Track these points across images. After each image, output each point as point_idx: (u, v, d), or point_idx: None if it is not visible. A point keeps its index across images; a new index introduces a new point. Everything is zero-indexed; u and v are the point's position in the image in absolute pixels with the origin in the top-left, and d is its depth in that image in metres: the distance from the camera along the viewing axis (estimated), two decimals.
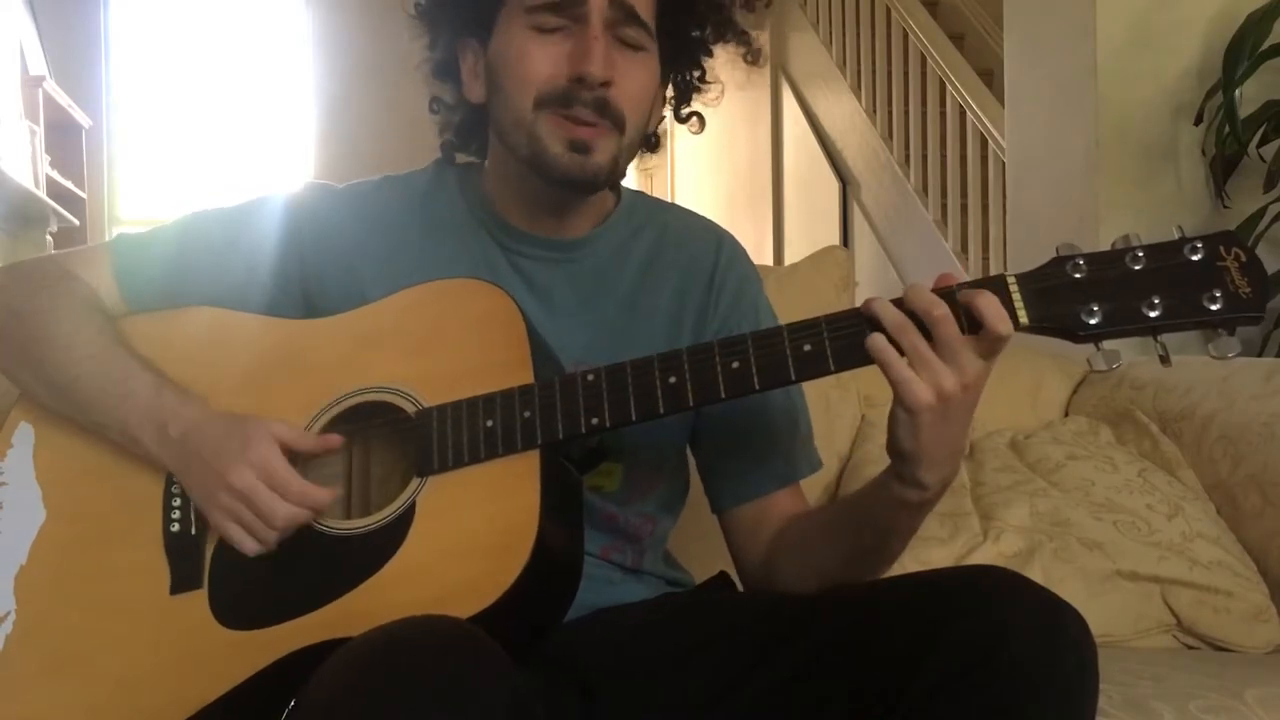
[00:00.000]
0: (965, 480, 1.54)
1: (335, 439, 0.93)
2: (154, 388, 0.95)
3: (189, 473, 0.93)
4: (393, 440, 0.95)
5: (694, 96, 1.12)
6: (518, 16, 1.00)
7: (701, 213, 1.19)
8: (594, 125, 0.98)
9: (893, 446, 0.87)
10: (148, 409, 0.94)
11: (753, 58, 1.12)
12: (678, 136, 1.16)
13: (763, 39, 1.32)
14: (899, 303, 0.83)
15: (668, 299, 1.09)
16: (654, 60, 1.04)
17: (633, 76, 1.00)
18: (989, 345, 0.82)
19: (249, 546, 0.90)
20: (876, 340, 0.82)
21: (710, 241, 1.13)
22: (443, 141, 1.13)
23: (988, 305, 0.81)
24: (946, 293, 0.83)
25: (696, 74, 1.11)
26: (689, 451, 1.13)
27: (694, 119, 1.13)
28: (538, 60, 0.98)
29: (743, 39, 1.10)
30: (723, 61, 1.12)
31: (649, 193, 1.37)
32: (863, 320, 0.84)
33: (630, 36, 1.00)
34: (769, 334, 0.86)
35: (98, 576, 0.95)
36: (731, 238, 1.16)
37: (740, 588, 1.09)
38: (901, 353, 0.82)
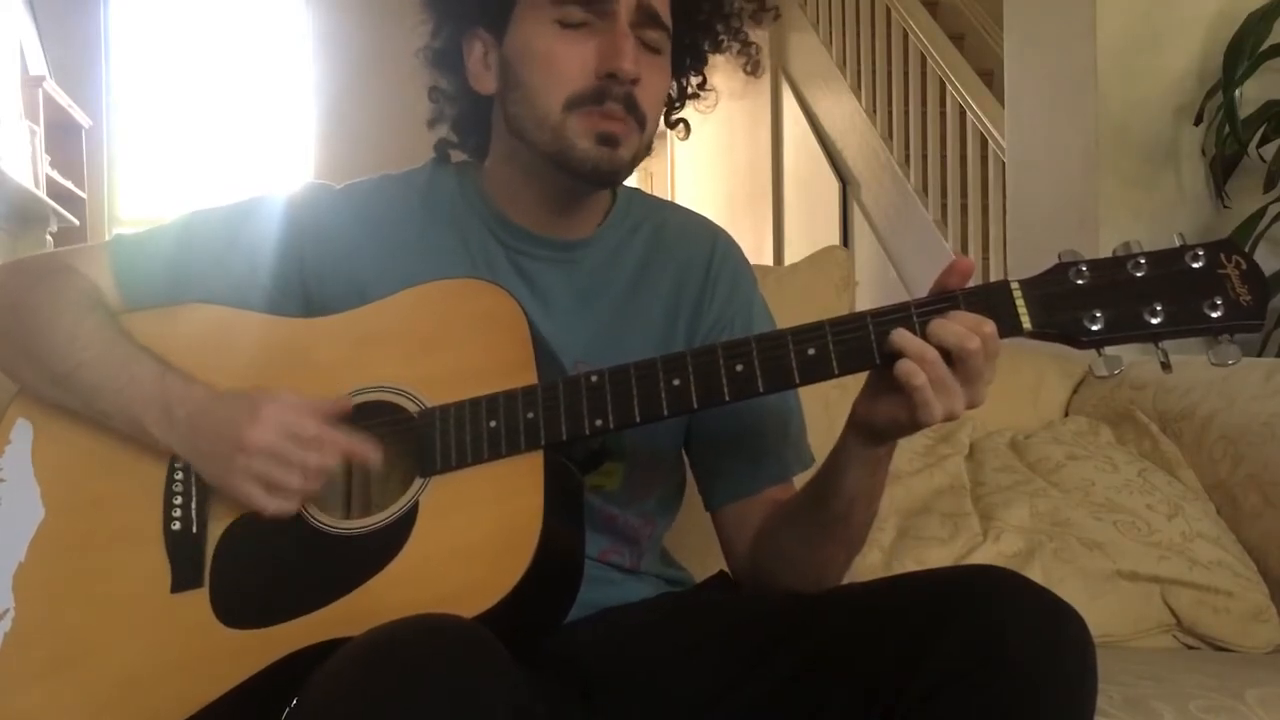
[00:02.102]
0: (965, 480, 1.54)
1: (346, 403, 0.93)
2: (157, 373, 0.95)
3: (198, 450, 0.92)
4: (395, 440, 0.95)
5: (689, 103, 1.12)
6: (540, 9, 0.99)
7: (701, 213, 1.19)
8: (622, 120, 0.98)
9: (872, 429, 0.89)
10: (151, 392, 0.94)
11: (752, 68, 1.13)
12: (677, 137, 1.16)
13: (763, 40, 1.32)
14: (928, 332, 0.83)
15: (664, 296, 1.09)
16: (669, 65, 1.04)
17: (652, 79, 1.01)
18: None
19: (274, 506, 0.89)
20: (907, 366, 0.82)
21: (705, 239, 1.14)
22: (437, 140, 1.12)
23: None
24: (951, 296, 0.84)
25: (696, 81, 1.11)
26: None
27: (681, 125, 1.14)
28: (567, 59, 0.98)
29: (747, 49, 1.10)
30: (720, 68, 1.12)
31: (649, 192, 1.37)
32: (867, 325, 0.84)
33: (651, 39, 1.00)
34: (773, 337, 0.87)
35: (98, 575, 0.94)
36: (726, 235, 1.16)
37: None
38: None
